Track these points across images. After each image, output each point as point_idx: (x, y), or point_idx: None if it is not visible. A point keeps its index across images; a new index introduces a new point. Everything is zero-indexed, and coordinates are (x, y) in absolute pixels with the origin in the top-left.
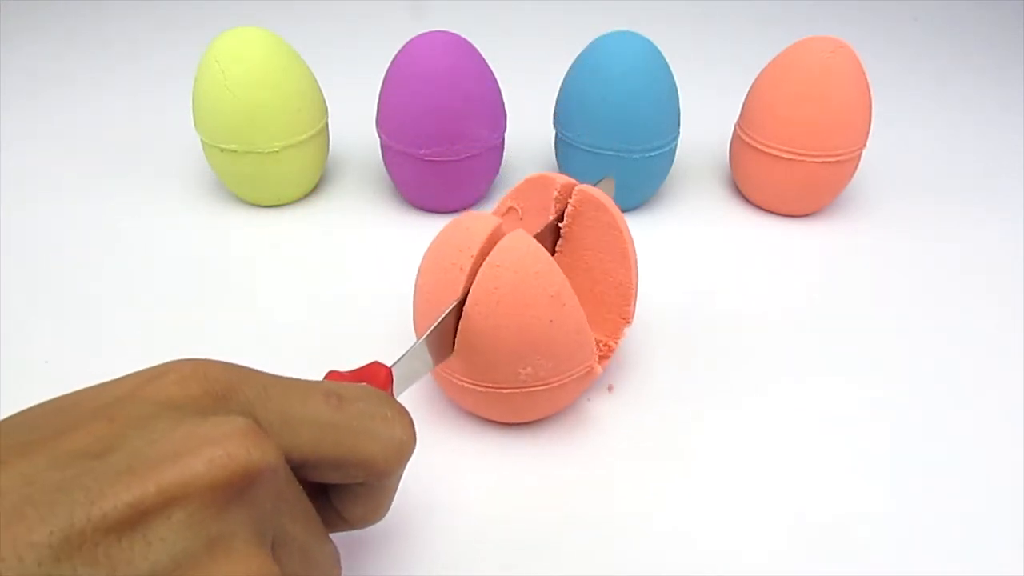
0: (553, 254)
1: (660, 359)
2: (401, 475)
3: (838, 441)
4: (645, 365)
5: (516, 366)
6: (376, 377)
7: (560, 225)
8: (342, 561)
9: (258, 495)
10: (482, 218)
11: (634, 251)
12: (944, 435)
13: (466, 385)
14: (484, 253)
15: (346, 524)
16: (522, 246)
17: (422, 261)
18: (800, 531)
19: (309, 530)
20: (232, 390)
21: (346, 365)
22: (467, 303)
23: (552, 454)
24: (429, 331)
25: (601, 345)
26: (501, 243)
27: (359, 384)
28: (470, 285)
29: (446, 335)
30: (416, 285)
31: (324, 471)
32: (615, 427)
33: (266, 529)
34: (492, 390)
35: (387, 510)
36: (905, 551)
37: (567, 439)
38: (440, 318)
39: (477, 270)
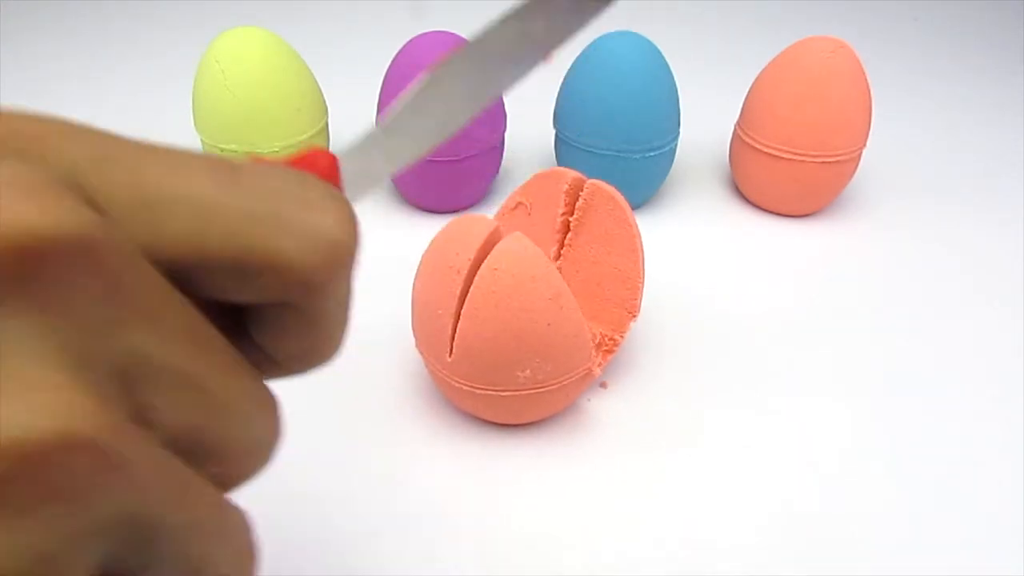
0: (562, 249)
1: (660, 358)
2: (345, 294)
3: (838, 440)
4: (645, 364)
5: (514, 369)
6: (314, 165)
7: (570, 219)
8: (343, 563)
9: (55, 288)
10: (479, 221)
11: (642, 245)
12: (944, 434)
13: (464, 387)
14: (481, 256)
15: (277, 368)
16: (520, 249)
17: (420, 265)
18: (801, 530)
19: (208, 361)
20: (41, 145)
21: (346, 365)
22: (465, 306)
23: (552, 454)
24: (395, 108)
25: (606, 339)
26: (499, 246)
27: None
28: (467, 288)
29: (419, 120)
30: (414, 289)
31: (218, 279)
32: (615, 426)
33: (86, 349)
34: (490, 392)
35: (333, 349)
36: (905, 551)
37: (567, 439)
38: (408, 90)
39: (474, 273)
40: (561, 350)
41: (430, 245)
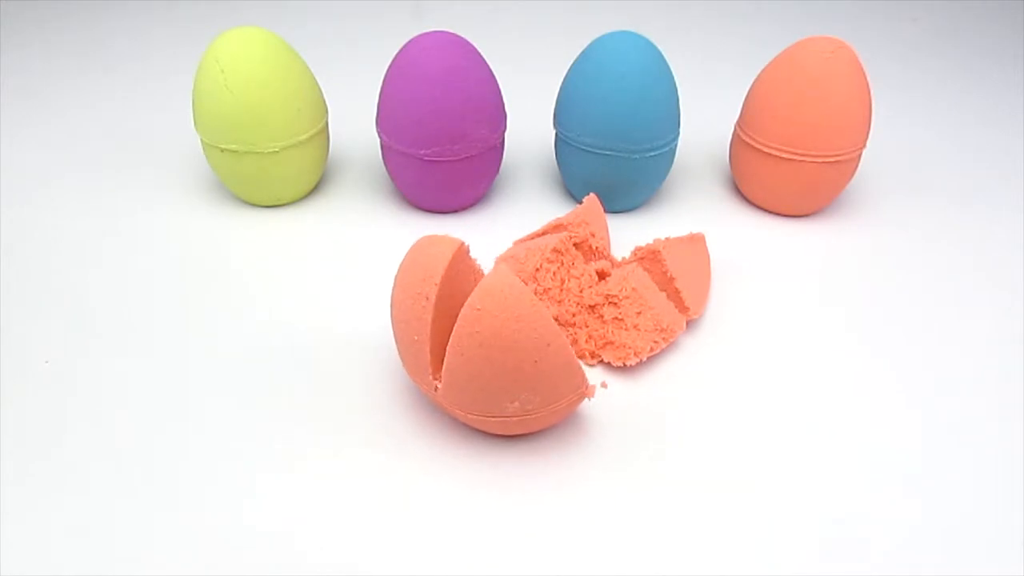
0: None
1: (660, 358)
2: None
3: (839, 441)
4: (645, 364)
5: (503, 401)
6: None
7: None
8: (342, 567)
9: None
10: (442, 242)
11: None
12: (944, 435)
13: (456, 412)
14: (448, 279)
15: None
16: (504, 288)
17: (392, 291)
18: (802, 532)
19: None
20: None
21: (344, 364)
22: (449, 344)
23: (551, 455)
24: None
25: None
26: (482, 284)
27: None
28: (438, 314)
29: None
30: (391, 314)
31: None
32: (615, 427)
33: None
34: (480, 418)
35: None
36: (905, 552)
37: (566, 439)
38: None
39: (443, 296)
40: (550, 383)
41: (399, 269)
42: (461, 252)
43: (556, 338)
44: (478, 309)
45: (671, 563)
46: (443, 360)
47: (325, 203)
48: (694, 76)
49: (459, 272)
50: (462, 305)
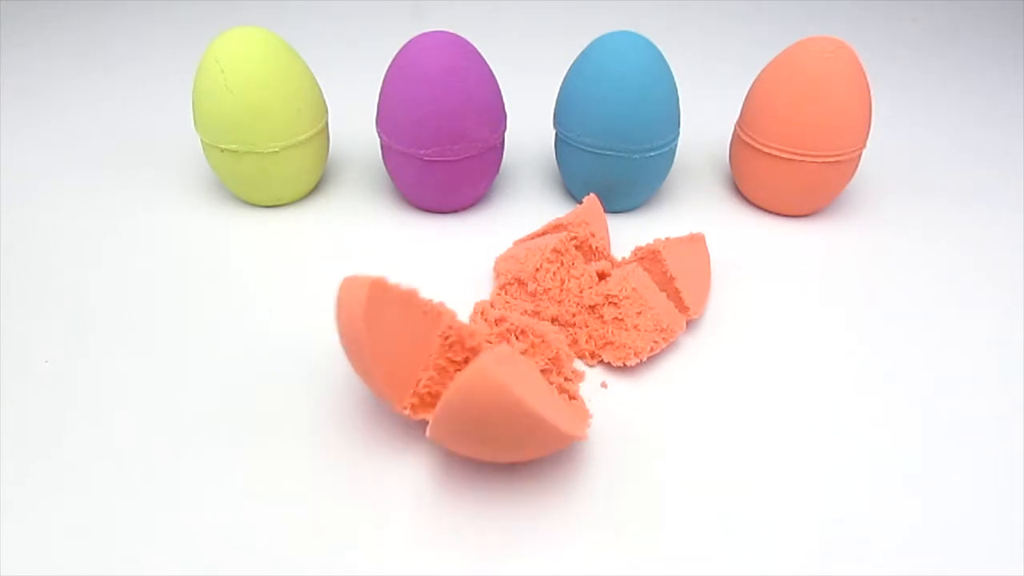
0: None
1: (659, 358)
2: None
3: (839, 441)
4: (644, 365)
5: (494, 459)
6: None
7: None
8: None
9: None
10: (355, 285)
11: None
12: (944, 435)
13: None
14: (372, 318)
15: None
16: (486, 385)
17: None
18: (802, 532)
19: None
20: None
21: (344, 364)
22: (432, 420)
23: (550, 457)
24: None
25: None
26: (465, 378)
27: None
28: (379, 350)
29: None
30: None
31: None
32: (614, 428)
33: None
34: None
35: None
36: (905, 552)
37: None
38: None
39: (376, 332)
40: (539, 451)
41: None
42: (377, 289)
43: (542, 425)
44: (460, 403)
45: (671, 563)
46: (408, 383)
47: (325, 203)
48: (694, 76)
49: (384, 304)
50: (401, 331)
